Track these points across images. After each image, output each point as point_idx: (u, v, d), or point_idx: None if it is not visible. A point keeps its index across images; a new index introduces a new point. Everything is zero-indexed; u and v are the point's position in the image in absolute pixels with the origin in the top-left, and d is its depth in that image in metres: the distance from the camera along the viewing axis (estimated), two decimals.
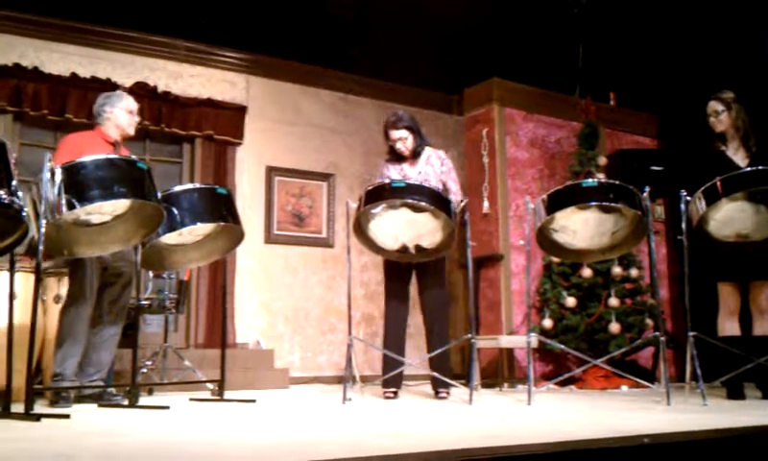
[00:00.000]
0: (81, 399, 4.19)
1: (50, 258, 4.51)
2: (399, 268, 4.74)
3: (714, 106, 4.62)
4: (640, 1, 6.58)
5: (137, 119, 4.53)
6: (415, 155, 4.79)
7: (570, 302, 6.45)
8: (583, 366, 5.65)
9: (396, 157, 4.82)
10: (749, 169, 4.17)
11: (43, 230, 3.39)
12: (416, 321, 4.86)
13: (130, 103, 4.47)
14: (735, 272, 4.49)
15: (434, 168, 4.77)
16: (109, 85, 6.19)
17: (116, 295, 4.33)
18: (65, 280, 4.38)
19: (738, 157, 4.55)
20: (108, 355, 4.32)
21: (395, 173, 4.78)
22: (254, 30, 6.67)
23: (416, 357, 5.15)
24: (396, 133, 4.74)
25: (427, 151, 4.84)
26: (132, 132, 4.49)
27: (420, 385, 5.18)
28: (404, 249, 4.55)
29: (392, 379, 4.62)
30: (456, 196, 4.64)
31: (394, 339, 4.70)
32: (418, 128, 4.82)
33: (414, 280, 4.83)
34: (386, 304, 4.80)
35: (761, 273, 4.47)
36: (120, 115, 4.41)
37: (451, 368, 4.81)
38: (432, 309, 4.73)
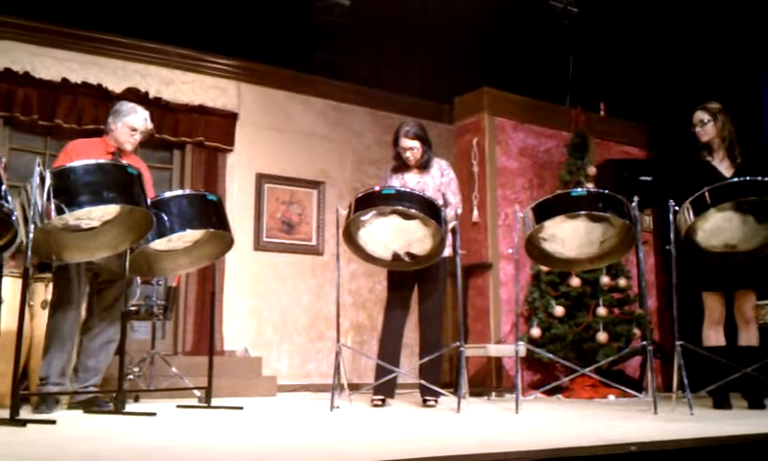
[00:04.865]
0: (76, 404, 4.16)
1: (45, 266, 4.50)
2: (401, 277, 4.70)
3: (700, 115, 4.63)
4: (631, 13, 6.65)
5: (139, 138, 4.42)
6: (422, 166, 4.78)
7: (558, 311, 6.48)
8: (570, 375, 5.67)
9: (401, 165, 4.81)
10: (737, 179, 4.16)
11: (32, 234, 3.37)
12: (411, 331, 4.85)
13: (134, 120, 4.38)
14: (720, 281, 4.50)
15: (434, 179, 4.75)
16: (100, 91, 6.20)
17: (110, 301, 4.28)
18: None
19: (723, 168, 4.56)
20: (105, 361, 4.28)
21: (396, 182, 4.76)
22: (246, 37, 6.69)
23: (408, 366, 5.16)
24: (407, 142, 4.71)
25: (432, 161, 4.83)
26: (129, 148, 4.41)
27: (413, 393, 5.18)
28: (396, 257, 4.54)
29: (382, 387, 4.60)
30: (450, 210, 4.59)
31: (390, 347, 4.67)
32: (428, 139, 4.82)
33: (416, 288, 4.78)
34: (386, 313, 4.77)
35: (746, 282, 4.49)
36: (121, 131, 4.36)
37: (441, 377, 4.80)
38: (429, 317, 4.71)
